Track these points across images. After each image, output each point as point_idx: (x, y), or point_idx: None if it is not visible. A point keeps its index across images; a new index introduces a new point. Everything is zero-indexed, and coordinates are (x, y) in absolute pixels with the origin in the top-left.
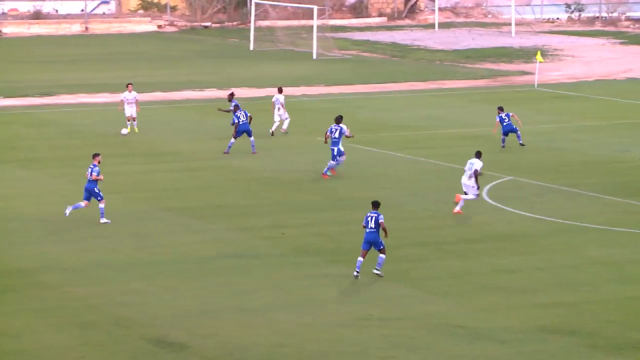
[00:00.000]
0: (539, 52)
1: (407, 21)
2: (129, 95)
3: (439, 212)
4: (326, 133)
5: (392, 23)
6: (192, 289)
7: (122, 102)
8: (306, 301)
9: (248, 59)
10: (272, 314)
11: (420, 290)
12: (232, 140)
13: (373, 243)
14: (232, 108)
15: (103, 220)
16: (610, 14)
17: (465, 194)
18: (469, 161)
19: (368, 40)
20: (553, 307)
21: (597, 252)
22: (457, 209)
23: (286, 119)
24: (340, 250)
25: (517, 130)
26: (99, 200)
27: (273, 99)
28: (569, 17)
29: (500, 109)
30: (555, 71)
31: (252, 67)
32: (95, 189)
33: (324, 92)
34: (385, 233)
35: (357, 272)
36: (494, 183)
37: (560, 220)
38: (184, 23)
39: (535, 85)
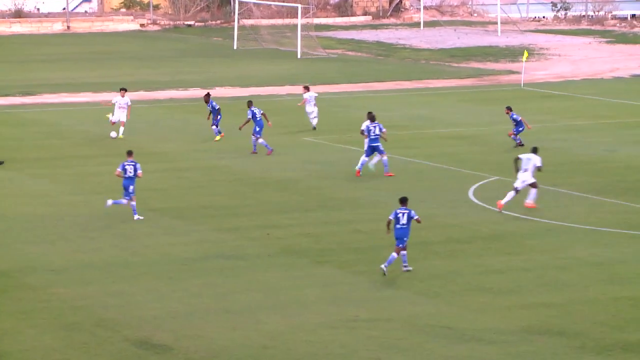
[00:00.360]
0: (525, 52)
1: (392, 20)
2: (122, 100)
3: (426, 213)
4: (363, 133)
5: (377, 22)
6: (178, 290)
7: (111, 105)
8: (293, 302)
9: (232, 58)
10: (259, 315)
11: (407, 291)
12: (257, 138)
13: (402, 239)
14: (249, 117)
15: (137, 217)
16: (596, 13)
17: (517, 189)
18: (527, 157)
19: (353, 39)
20: (541, 307)
21: (585, 253)
22: (530, 202)
23: (315, 117)
24: (326, 251)
25: (521, 129)
26: (130, 199)
27: (306, 96)
28: (555, 15)
29: (509, 109)
30: (542, 70)
31: (236, 66)
32: (132, 186)
33: None
34: (419, 222)
35: (386, 267)
36: (480, 183)
37: (547, 221)
38: (167, 22)
39: (522, 85)
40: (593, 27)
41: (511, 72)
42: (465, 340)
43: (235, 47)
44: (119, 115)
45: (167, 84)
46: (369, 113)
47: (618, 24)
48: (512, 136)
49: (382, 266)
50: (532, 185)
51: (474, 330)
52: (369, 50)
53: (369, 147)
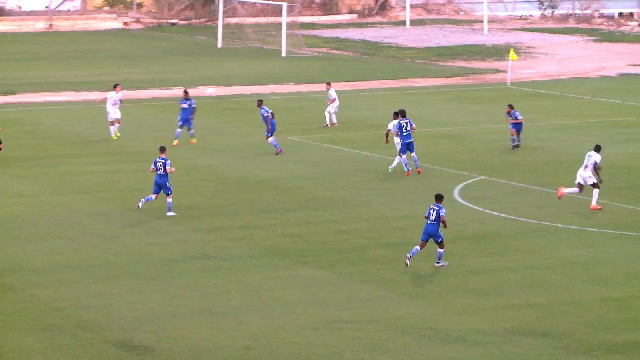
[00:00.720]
0: (512, 50)
1: (378, 18)
2: (116, 96)
3: (410, 213)
4: (392, 130)
5: (363, 20)
6: (159, 292)
7: (105, 101)
8: (276, 304)
9: (216, 57)
10: (242, 316)
11: (391, 292)
12: (272, 138)
13: (432, 235)
14: (267, 115)
15: (170, 214)
16: (584, 11)
17: (580, 185)
18: (588, 154)
19: (338, 38)
20: (526, 308)
21: (570, 253)
22: (594, 204)
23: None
24: (310, 251)
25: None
26: (168, 195)
27: (332, 93)
28: (542, 14)
29: (511, 107)
30: (529, 69)
31: (221, 65)
32: (168, 183)
33: (294, 91)
34: (445, 225)
35: (410, 258)
36: (466, 183)
37: (532, 221)
38: (150, 20)
39: (509, 84)
40: (580, 26)
41: (498, 71)
42: (449, 341)
43: (219, 46)
44: (114, 113)
45: (150, 83)
46: (399, 111)
47: (605, 23)
48: (513, 137)
49: (407, 256)
50: (594, 185)
51: (458, 332)
52: (355, 49)
53: (404, 144)
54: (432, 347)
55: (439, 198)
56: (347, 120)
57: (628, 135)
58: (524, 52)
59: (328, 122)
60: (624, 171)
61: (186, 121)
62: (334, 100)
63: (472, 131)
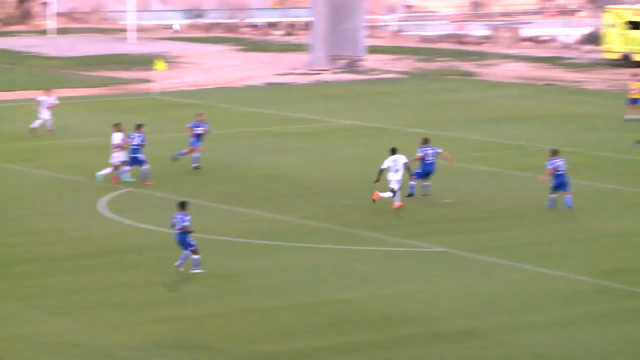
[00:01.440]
0: (159, 60)
1: (21, 27)
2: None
3: (53, 226)
4: (550, 168)
5: (5, 29)
6: None
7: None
8: None
9: None
10: None
11: (32, 308)
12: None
13: (181, 244)
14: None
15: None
16: (230, 20)
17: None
18: (391, 159)
19: None
20: (173, 321)
21: (219, 265)
22: (397, 203)
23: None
24: None
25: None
26: None
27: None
28: (189, 23)
29: (554, 153)
30: (176, 79)
31: None
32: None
33: None
34: (188, 232)
35: (180, 265)
36: (112, 195)
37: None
38: None
39: (156, 93)
40: (227, 35)
41: (145, 80)
42: (96, 358)
43: None
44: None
45: None
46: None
47: (252, 32)
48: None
49: (175, 264)
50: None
51: (105, 347)
52: None
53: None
54: None
55: (182, 205)
56: None
57: (275, 145)
58: (171, 62)
59: None
60: (271, 180)
61: None
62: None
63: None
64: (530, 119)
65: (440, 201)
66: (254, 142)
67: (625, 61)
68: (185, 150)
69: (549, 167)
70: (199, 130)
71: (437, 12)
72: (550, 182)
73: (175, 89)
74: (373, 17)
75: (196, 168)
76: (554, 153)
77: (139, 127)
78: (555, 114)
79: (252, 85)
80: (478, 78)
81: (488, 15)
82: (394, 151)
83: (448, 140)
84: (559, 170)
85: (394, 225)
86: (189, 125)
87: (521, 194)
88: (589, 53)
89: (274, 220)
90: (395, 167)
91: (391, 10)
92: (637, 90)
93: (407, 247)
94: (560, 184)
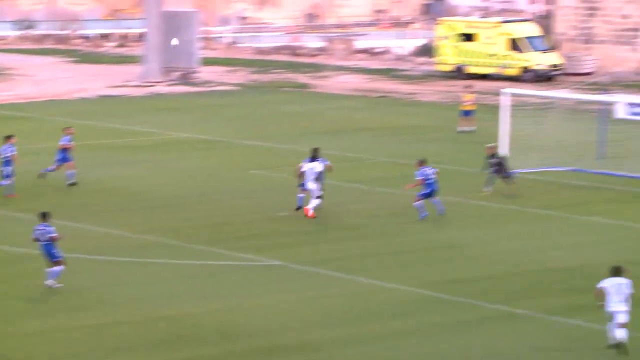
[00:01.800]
0: None
1: None
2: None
3: None
4: (420, 178)
5: None
6: None
7: None
8: None
9: None
10: None
11: None
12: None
13: (47, 255)
14: None
15: None
16: (62, 32)
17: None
18: (309, 167)
19: None
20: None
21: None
22: (311, 212)
23: None
24: None
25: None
26: None
27: None
28: (19, 34)
29: (421, 162)
30: (6, 91)
31: None
32: None
33: None
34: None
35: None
36: None
37: (21, 249)
38: None
39: None
40: (59, 47)
41: None
42: None
43: None
44: None
45: None
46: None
47: (84, 43)
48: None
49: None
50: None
51: None
52: None
53: (430, 190)
54: None
55: (44, 216)
56: None
57: (110, 158)
58: (1, 73)
59: None
60: (107, 193)
61: None
62: None
63: None
64: (364, 131)
65: (275, 214)
66: (88, 155)
67: (458, 73)
68: (53, 167)
69: (419, 177)
70: (68, 144)
71: (272, 23)
72: (420, 190)
73: (5, 102)
74: (207, 28)
75: (71, 184)
76: (422, 163)
77: (8, 138)
78: (389, 126)
79: (85, 98)
80: (312, 90)
81: (323, 27)
82: (314, 156)
83: (285, 152)
84: (429, 179)
85: (231, 239)
86: (61, 141)
87: (357, 206)
88: (422, 65)
89: (108, 234)
90: (312, 173)
91: (225, 21)
92: (469, 102)
93: (244, 261)
94: (431, 192)
